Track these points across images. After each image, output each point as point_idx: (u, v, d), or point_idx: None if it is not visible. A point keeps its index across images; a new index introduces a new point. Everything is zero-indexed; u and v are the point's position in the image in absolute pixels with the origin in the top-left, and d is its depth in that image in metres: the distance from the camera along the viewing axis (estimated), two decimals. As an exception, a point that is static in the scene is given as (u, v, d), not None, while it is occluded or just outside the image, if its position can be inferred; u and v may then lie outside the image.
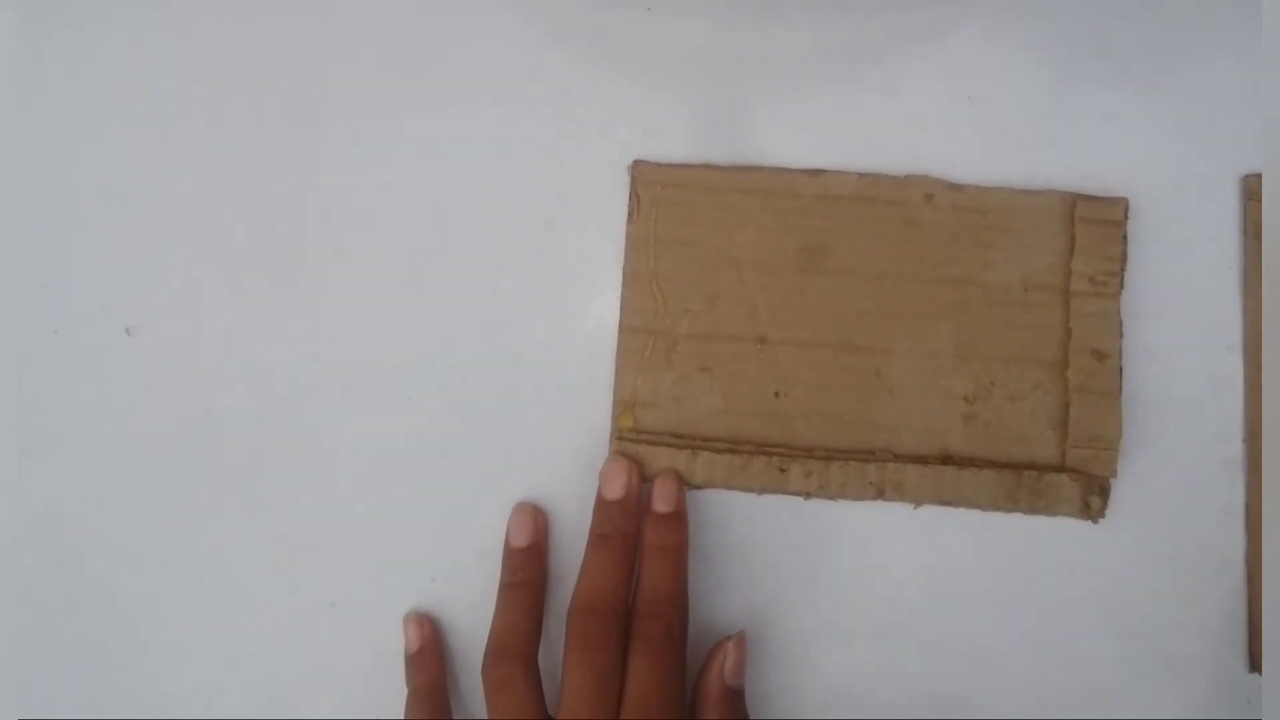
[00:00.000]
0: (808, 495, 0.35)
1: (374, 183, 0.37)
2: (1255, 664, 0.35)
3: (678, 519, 0.34)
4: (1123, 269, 0.36)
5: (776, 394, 0.35)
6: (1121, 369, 0.35)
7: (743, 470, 0.35)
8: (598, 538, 0.34)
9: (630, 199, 0.36)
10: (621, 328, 0.36)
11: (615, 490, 0.34)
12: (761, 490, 0.35)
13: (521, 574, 0.34)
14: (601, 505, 0.34)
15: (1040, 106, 0.37)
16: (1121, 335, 0.35)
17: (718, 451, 0.35)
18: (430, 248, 0.36)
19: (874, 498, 0.35)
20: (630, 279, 0.36)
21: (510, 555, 0.34)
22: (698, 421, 0.35)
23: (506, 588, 0.34)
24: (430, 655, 0.34)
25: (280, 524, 0.35)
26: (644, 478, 0.35)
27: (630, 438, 0.35)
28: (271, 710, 0.35)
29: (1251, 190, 0.36)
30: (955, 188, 0.36)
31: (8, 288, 0.36)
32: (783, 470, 0.35)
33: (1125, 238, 0.36)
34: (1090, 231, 0.36)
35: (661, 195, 0.36)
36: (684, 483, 0.35)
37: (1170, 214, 0.37)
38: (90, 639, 0.35)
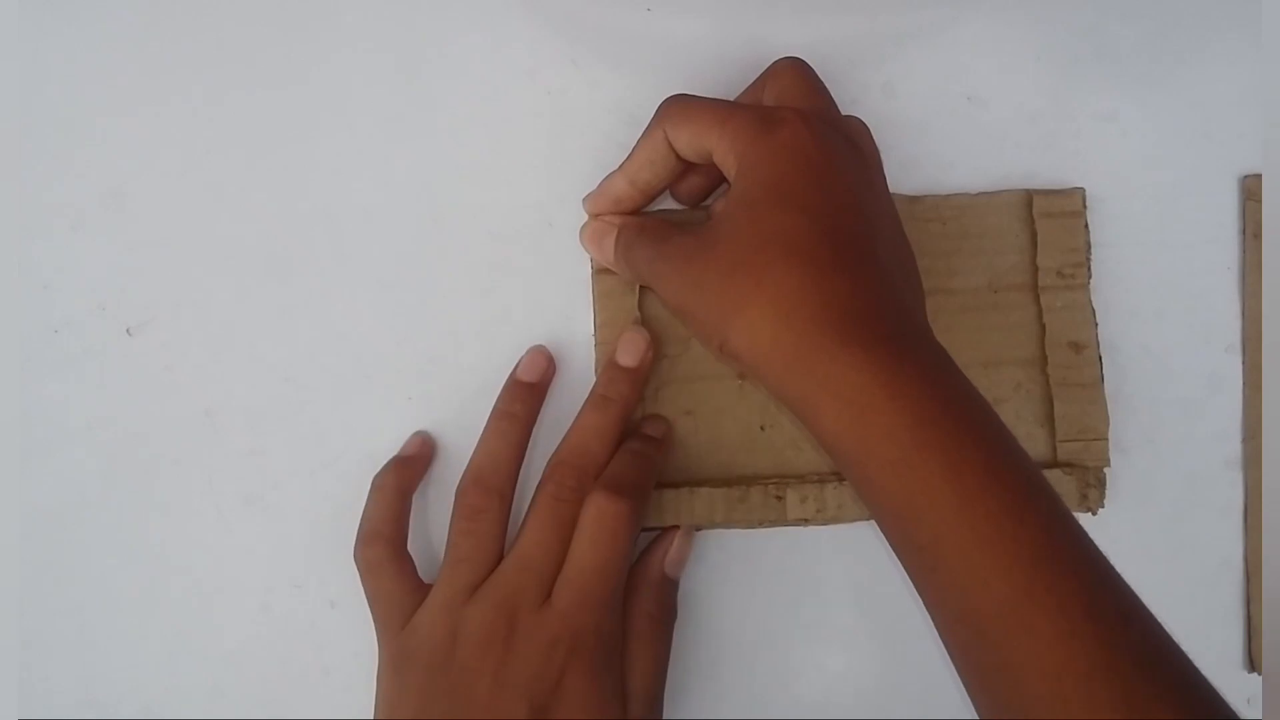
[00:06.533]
0: (806, 521, 0.35)
1: (374, 182, 0.37)
2: (1254, 664, 0.35)
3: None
4: (1088, 258, 0.35)
5: (762, 428, 0.35)
6: (1100, 358, 0.35)
7: (741, 502, 0.34)
8: (599, 398, 0.33)
9: (591, 263, 0.36)
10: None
11: (630, 357, 0.34)
12: (761, 523, 0.35)
13: (519, 405, 0.34)
14: (610, 368, 0.34)
15: (1040, 106, 0.37)
16: (1096, 324, 0.35)
17: (714, 486, 0.35)
18: (430, 247, 0.36)
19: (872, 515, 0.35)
20: (603, 332, 0.35)
21: (512, 385, 0.34)
22: (690, 466, 0.35)
23: (500, 416, 0.34)
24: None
25: (280, 524, 0.35)
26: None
27: None
28: (271, 710, 0.35)
29: (1251, 190, 0.36)
30: (913, 200, 0.36)
31: (8, 288, 0.36)
32: (779, 498, 0.34)
33: (1087, 227, 0.36)
34: (1051, 225, 0.36)
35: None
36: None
37: (1170, 214, 0.37)
38: (90, 639, 0.35)
